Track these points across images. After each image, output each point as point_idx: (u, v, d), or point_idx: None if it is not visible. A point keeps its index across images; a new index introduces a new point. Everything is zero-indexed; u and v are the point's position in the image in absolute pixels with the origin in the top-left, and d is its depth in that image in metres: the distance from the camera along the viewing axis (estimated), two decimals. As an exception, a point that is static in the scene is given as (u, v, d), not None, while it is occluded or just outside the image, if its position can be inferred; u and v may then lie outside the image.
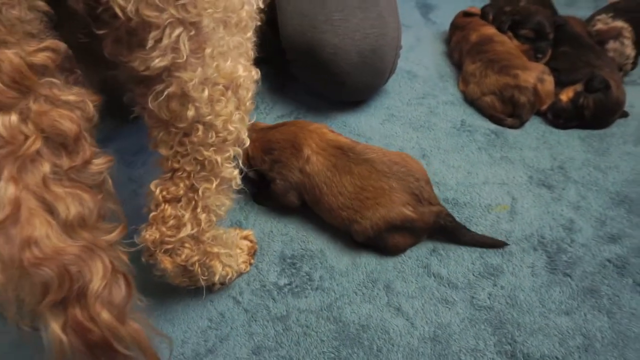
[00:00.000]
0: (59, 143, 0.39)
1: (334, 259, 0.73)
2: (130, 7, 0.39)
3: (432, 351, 0.61)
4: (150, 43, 0.41)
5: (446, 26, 1.22)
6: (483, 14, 1.14)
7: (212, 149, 0.51)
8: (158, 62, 0.43)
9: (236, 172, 0.56)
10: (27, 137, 0.37)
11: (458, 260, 0.72)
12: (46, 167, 0.38)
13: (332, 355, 0.61)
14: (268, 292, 0.69)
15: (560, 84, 0.96)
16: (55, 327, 0.37)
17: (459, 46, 1.11)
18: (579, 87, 0.93)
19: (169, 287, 0.68)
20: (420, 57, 1.17)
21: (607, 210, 0.78)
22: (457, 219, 0.78)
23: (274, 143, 0.76)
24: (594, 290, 0.67)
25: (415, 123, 0.99)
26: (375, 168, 0.71)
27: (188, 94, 0.46)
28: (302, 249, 0.74)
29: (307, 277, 0.71)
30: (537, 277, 0.70)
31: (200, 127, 0.49)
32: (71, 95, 0.40)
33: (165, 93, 0.45)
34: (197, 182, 0.53)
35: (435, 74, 1.12)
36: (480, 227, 0.77)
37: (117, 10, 0.39)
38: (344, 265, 0.72)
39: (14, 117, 0.36)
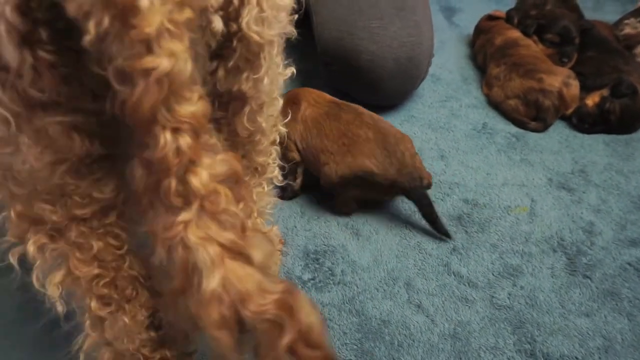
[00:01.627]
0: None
1: (355, 255, 0.74)
2: (262, 31, 0.37)
3: (452, 348, 0.62)
4: (262, 63, 0.40)
5: (470, 29, 1.23)
6: (508, 18, 1.15)
7: (263, 153, 0.51)
8: (266, 83, 0.42)
9: (277, 169, 0.56)
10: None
11: (478, 260, 0.73)
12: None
13: (355, 347, 0.62)
14: (291, 286, 0.70)
15: (586, 89, 0.97)
16: None
17: (483, 49, 1.11)
18: (605, 91, 0.93)
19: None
20: (443, 60, 1.18)
21: (628, 214, 0.79)
22: (476, 219, 0.79)
23: None
24: (614, 292, 0.68)
25: (435, 124, 1.00)
26: (361, 116, 0.76)
27: (263, 107, 0.45)
28: (325, 244, 0.76)
29: (330, 272, 0.72)
30: (557, 278, 0.70)
31: (259, 135, 0.48)
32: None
33: (249, 109, 0.44)
34: (253, 187, 0.53)
35: (459, 77, 1.12)
36: (499, 227, 0.78)
37: (254, 37, 0.37)
38: (365, 261, 0.73)
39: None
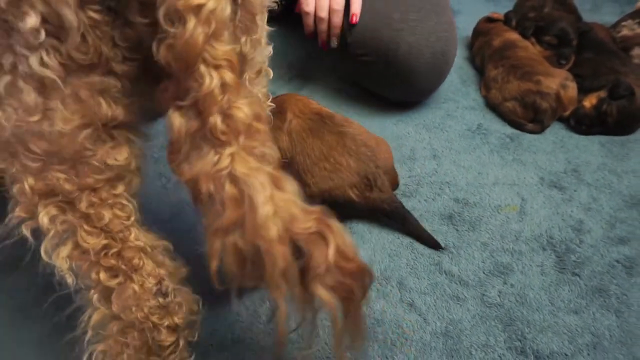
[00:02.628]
0: None
1: (348, 256, 0.75)
2: None
3: (444, 346, 0.64)
4: (258, 24, 0.45)
5: (469, 31, 1.24)
6: (506, 20, 1.16)
7: None
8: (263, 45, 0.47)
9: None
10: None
11: (469, 259, 0.74)
12: None
13: (349, 347, 0.63)
14: (286, 287, 0.72)
15: (583, 90, 0.98)
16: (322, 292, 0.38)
17: (481, 51, 1.12)
18: (602, 93, 0.94)
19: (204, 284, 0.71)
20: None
21: (618, 213, 0.80)
22: (467, 218, 0.81)
23: None
24: (602, 289, 0.69)
25: (430, 124, 1.01)
26: (344, 142, 0.76)
27: (260, 74, 0.50)
28: (318, 245, 0.77)
29: (323, 272, 0.73)
30: (546, 276, 0.72)
31: None
32: None
33: (247, 76, 0.48)
34: None
35: (457, 79, 1.13)
36: (490, 226, 0.79)
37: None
38: (358, 262, 0.74)
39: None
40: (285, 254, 0.37)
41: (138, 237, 0.47)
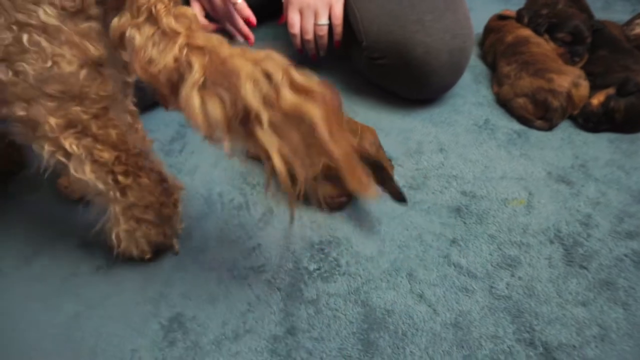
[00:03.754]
0: None
1: (359, 246, 0.76)
2: None
3: (454, 336, 0.64)
4: None
5: (480, 29, 1.23)
6: (518, 17, 1.15)
7: None
8: None
9: None
10: None
11: (477, 252, 0.75)
12: None
13: (361, 337, 0.64)
14: (300, 276, 0.72)
15: (595, 88, 0.97)
16: None
17: (493, 48, 1.12)
18: (611, 90, 0.94)
19: (212, 274, 0.72)
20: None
21: (626, 207, 0.81)
22: (475, 211, 0.81)
23: None
24: (610, 282, 0.70)
25: (436, 119, 1.01)
26: None
27: None
28: (330, 235, 0.77)
29: (335, 262, 0.74)
30: (554, 268, 0.72)
31: None
32: None
33: None
34: None
35: (469, 76, 1.13)
36: (497, 219, 0.80)
37: None
38: (369, 252, 0.75)
39: None
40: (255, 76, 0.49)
41: (135, 145, 0.63)
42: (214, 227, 0.81)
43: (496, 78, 1.09)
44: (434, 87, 1.00)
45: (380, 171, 0.82)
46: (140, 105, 1.05)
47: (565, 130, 0.98)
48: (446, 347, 0.63)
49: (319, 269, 0.73)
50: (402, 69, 0.96)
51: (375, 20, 0.96)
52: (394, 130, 0.99)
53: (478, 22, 1.26)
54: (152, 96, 0.57)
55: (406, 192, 0.85)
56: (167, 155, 0.98)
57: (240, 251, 0.78)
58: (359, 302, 0.68)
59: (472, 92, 1.10)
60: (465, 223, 0.79)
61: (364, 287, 0.70)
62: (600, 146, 0.94)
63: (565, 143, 0.95)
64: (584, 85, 0.98)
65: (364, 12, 0.98)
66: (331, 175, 0.56)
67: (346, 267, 0.73)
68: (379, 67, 1.00)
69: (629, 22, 1.15)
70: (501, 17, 1.20)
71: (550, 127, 0.98)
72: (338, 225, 0.79)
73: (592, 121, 0.96)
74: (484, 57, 1.20)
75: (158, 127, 1.07)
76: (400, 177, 0.88)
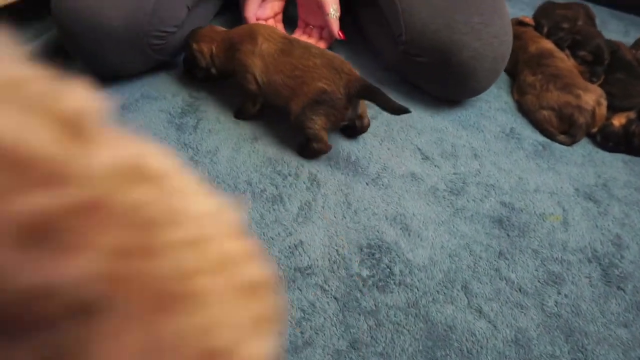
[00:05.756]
0: None
1: (410, 253, 0.73)
2: None
3: (516, 355, 0.64)
4: None
5: None
6: (537, 25, 1.16)
7: None
8: None
9: None
10: None
11: (524, 266, 0.75)
12: None
13: (429, 355, 0.62)
14: (354, 283, 0.68)
15: (613, 109, 1.01)
16: None
17: (514, 54, 1.12)
18: (632, 114, 0.98)
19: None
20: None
21: (649, 230, 0.85)
22: (516, 224, 0.81)
23: (235, 37, 0.88)
24: (645, 305, 0.74)
25: (465, 122, 1.00)
26: (309, 50, 0.83)
27: None
28: (378, 239, 0.74)
29: (389, 269, 0.70)
30: (595, 288, 0.75)
31: None
32: None
33: None
34: None
35: None
36: (538, 234, 0.81)
37: None
38: (420, 260, 0.72)
39: None
40: None
41: None
42: (248, 222, 0.74)
43: (517, 85, 1.10)
44: (471, 89, 0.99)
45: (372, 91, 0.81)
46: (142, 63, 0.93)
47: (585, 147, 1.01)
48: (511, 366, 0.63)
49: (372, 277, 0.69)
50: (442, 69, 0.93)
51: (419, 15, 0.91)
52: (427, 128, 0.96)
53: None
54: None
55: (447, 196, 0.83)
56: (180, 131, 0.88)
57: (281, 249, 0.72)
58: (420, 317, 0.66)
59: (494, 96, 1.09)
60: (508, 235, 0.79)
61: (422, 300, 0.68)
62: (616, 166, 0.98)
63: (587, 160, 0.98)
64: (604, 105, 1.02)
65: (407, 4, 0.93)
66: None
67: (400, 277, 0.70)
68: (416, 64, 0.96)
69: (637, 45, 1.21)
70: (521, 24, 1.21)
71: (572, 143, 1.01)
72: (384, 227, 0.76)
73: (611, 141, 1.00)
74: (502, 61, 1.20)
75: (164, 95, 0.95)
76: (439, 178, 0.86)
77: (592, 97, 1.00)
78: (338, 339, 0.62)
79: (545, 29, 1.17)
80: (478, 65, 0.92)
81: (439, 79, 0.97)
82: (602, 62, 1.09)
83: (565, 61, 1.08)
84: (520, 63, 1.11)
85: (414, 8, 0.92)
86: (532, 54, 1.10)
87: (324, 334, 0.62)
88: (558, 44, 1.12)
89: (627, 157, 1.01)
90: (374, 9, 1.05)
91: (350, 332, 0.63)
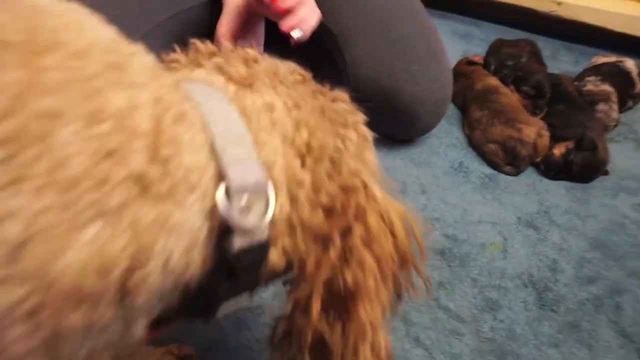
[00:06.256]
0: None
1: (355, 290, 0.80)
2: None
3: (448, 379, 0.70)
4: None
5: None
6: (485, 64, 1.25)
7: None
8: None
9: None
10: None
11: (462, 295, 0.81)
12: None
13: None
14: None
15: (554, 139, 1.09)
16: None
17: (463, 92, 1.21)
18: (570, 144, 1.05)
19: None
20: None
21: (585, 254, 0.91)
22: (457, 254, 0.88)
23: None
24: (576, 325, 0.79)
25: (416, 159, 1.08)
26: None
27: None
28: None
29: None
30: (530, 312, 0.80)
31: None
32: None
33: None
34: None
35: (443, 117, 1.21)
36: (478, 262, 0.87)
37: None
38: (364, 296, 0.79)
39: None
40: None
41: None
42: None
43: (467, 121, 1.18)
44: (417, 130, 1.07)
45: None
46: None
47: (530, 176, 1.09)
48: (443, 390, 0.68)
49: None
50: (387, 112, 1.02)
51: (362, 65, 1.00)
52: (379, 166, 1.04)
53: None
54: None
55: (394, 233, 0.90)
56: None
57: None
58: (360, 347, 0.72)
59: (445, 132, 1.17)
60: (449, 266, 0.86)
61: (363, 331, 0.74)
62: (559, 193, 1.05)
63: (531, 189, 1.05)
64: (546, 136, 1.09)
65: (351, 56, 1.02)
66: None
67: (345, 310, 0.76)
68: (366, 108, 1.05)
69: (581, 77, 1.29)
70: (469, 63, 1.30)
71: (517, 173, 1.08)
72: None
73: (553, 170, 1.07)
74: (453, 99, 1.29)
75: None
76: (387, 217, 0.93)
77: (533, 130, 1.07)
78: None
79: (493, 67, 1.26)
80: (420, 108, 1.00)
81: (386, 121, 1.05)
82: (544, 96, 1.17)
83: (509, 96, 1.17)
84: (469, 100, 1.20)
85: (359, 59, 1.01)
86: (479, 90, 1.19)
87: None
88: (503, 81, 1.21)
89: (569, 184, 1.07)
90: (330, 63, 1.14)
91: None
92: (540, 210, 1.00)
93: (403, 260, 0.42)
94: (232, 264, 0.30)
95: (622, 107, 1.31)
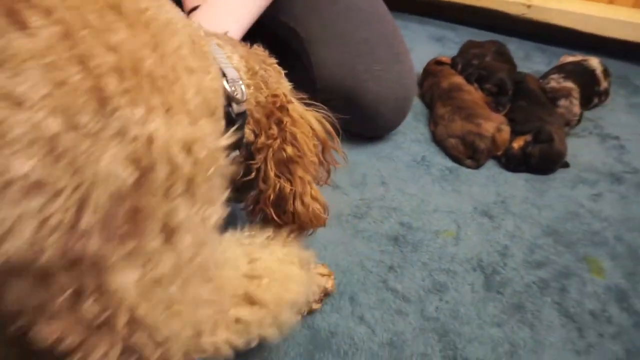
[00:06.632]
0: None
1: (306, 273, 0.83)
2: None
3: (389, 354, 0.72)
4: None
5: (419, 68, 1.35)
6: (453, 64, 1.30)
7: None
8: None
9: None
10: None
11: (411, 278, 0.84)
12: None
13: (308, 357, 0.71)
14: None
15: (515, 133, 1.12)
16: None
17: (430, 91, 1.25)
18: (528, 137, 1.09)
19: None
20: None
21: (537, 240, 0.93)
22: (410, 241, 0.91)
23: None
24: (520, 306, 0.81)
25: (380, 154, 1.12)
26: None
27: None
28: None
29: (283, 288, 0.80)
30: (476, 293, 0.83)
31: None
32: None
33: None
34: None
35: (410, 114, 1.24)
36: (430, 248, 0.90)
37: None
38: (315, 278, 0.82)
39: None
40: None
41: None
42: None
43: (433, 118, 1.22)
44: (381, 128, 1.11)
45: None
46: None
47: (490, 168, 1.12)
48: (382, 364, 0.71)
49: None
50: (351, 111, 1.05)
51: (326, 67, 1.05)
52: (340, 161, 1.08)
53: (418, 62, 1.39)
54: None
55: (350, 219, 0.93)
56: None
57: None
58: (305, 325, 0.75)
59: (411, 129, 1.21)
60: (402, 251, 0.89)
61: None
62: (518, 185, 1.08)
63: (490, 181, 1.08)
64: (506, 130, 1.13)
65: (317, 58, 1.06)
66: None
67: (294, 291, 0.80)
68: (332, 107, 1.09)
69: (545, 76, 1.33)
70: (438, 63, 1.34)
71: (477, 166, 1.11)
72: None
73: (512, 162, 1.10)
74: (422, 97, 1.33)
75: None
76: (345, 205, 0.97)
77: (493, 124, 1.11)
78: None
79: (459, 66, 1.30)
80: (382, 107, 1.04)
81: (352, 120, 1.09)
82: (506, 93, 1.21)
83: (472, 94, 1.20)
84: (435, 97, 1.24)
85: (323, 61, 1.05)
86: (444, 89, 1.23)
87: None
88: (467, 79, 1.25)
89: (529, 176, 1.10)
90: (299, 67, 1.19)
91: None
92: (497, 201, 1.02)
93: (323, 145, 0.66)
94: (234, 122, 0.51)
95: (589, 104, 1.34)
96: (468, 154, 1.11)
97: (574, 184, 1.10)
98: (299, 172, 0.60)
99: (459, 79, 1.25)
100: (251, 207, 0.64)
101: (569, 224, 0.99)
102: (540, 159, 1.08)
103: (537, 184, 1.08)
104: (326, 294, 0.78)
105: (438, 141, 1.17)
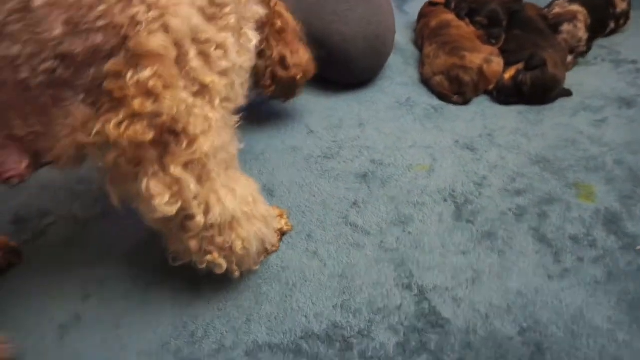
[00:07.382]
0: None
1: (265, 213, 0.82)
2: None
3: (338, 285, 0.70)
4: None
5: (417, 16, 1.30)
6: (446, 3, 1.23)
7: None
8: None
9: None
10: None
11: (374, 212, 0.81)
12: None
13: (255, 290, 0.70)
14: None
15: (508, 64, 1.04)
16: None
17: (422, 32, 1.19)
18: (520, 66, 1.01)
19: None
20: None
21: (521, 169, 0.86)
22: (379, 176, 0.88)
23: None
24: (491, 234, 0.75)
25: (362, 98, 1.08)
26: None
27: None
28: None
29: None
30: (443, 223, 0.78)
31: None
32: None
33: None
34: None
35: (400, 59, 1.20)
36: (399, 183, 0.86)
37: None
38: (273, 217, 0.81)
39: None
40: None
41: None
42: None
43: (421, 59, 1.15)
44: (357, 72, 1.07)
45: None
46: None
47: (480, 104, 1.04)
48: (329, 294, 0.69)
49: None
50: (324, 55, 1.02)
51: (296, 13, 1.02)
52: (319, 108, 1.05)
53: (416, 9, 1.33)
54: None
55: (320, 161, 0.91)
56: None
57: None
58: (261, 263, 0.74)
59: (399, 73, 1.16)
60: (369, 187, 0.85)
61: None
62: (509, 117, 0.99)
63: (478, 116, 1.00)
64: (497, 62, 1.04)
65: (287, 2, 1.04)
66: None
67: (251, 230, 0.79)
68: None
69: (550, 4, 1.21)
70: (432, 4, 1.27)
71: (465, 102, 1.04)
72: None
73: (503, 94, 1.02)
74: (415, 40, 1.26)
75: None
76: (317, 147, 0.95)
77: (479, 56, 1.03)
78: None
79: (453, 4, 1.22)
80: (351, 47, 1.00)
81: (327, 66, 1.06)
82: (499, 24, 1.12)
83: (460, 28, 1.12)
84: (424, 38, 1.17)
85: (292, 5, 1.04)
86: (433, 27, 1.16)
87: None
88: (458, 14, 1.17)
89: (522, 108, 1.02)
90: None
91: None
92: (484, 134, 0.95)
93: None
94: None
95: (604, 30, 1.21)
96: (454, 90, 1.04)
97: (574, 112, 1.00)
98: (289, 37, 0.86)
99: (449, 16, 1.17)
100: (264, 77, 0.88)
101: (561, 152, 0.90)
102: (533, 86, 0.99)
103: (532, 115, 0.99)
104: (283, 233, 0.77)
105: (425, 81, 1.10)
